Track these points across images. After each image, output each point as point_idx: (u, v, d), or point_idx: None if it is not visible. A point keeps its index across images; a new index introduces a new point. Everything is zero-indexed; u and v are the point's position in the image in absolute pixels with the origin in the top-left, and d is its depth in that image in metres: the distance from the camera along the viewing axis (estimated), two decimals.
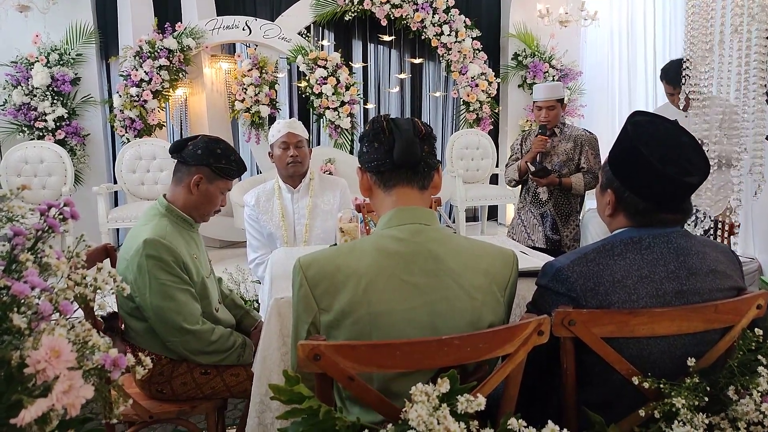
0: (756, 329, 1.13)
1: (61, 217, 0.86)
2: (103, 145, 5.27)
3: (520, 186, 3.41)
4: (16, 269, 0.79)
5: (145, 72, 4.92)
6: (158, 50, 4.95)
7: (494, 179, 5.94)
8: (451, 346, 1.00)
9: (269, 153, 2.65)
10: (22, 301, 0.72)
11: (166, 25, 5.04)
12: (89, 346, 0.71)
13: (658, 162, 1.15)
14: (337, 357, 0.98)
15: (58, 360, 0.60)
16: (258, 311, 2.85)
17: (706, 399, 1.06)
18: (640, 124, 1.24)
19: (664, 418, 1.07)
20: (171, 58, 5.00)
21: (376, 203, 1.29)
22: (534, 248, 3.18)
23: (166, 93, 5.09)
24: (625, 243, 1.22)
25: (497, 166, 5.78)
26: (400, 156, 1.17)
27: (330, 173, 5.25)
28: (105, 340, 0.77)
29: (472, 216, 6.36)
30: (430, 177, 1.24)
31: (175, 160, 1.83)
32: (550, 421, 0.94)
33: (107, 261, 2.08)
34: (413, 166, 1.20)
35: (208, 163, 1.79)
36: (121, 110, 4.94)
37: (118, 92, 4.98)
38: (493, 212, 6.50)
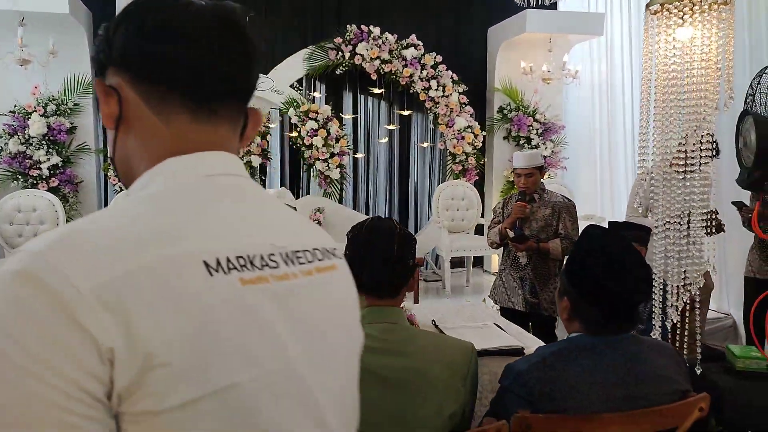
0: None
1: None
2: (95, 192, 5.37)
3: (502, 248, 3.53)
4: None
5: None
6: None
7: (479, 229, 6.08)
8: None
9: None
10: None
11: None
12: None
13: (607, 281, 1.28)
14: None
15: None
16: None
17: None
18: (593, 239, 1.37)
19: None
20: None
21: None
22: (514, 311, 3.29)
23: None
24: (579, 349, 1.33)
25: (482, 216, 5.93)
26: (367, 281, 1.32)
27: (319, 222, 5.37)
28: None
29: (458, 261, 6.46)
30: (400, 288, 1.37)
31: None
32: None
33: None
34: (379, 290, 1.35)
35: None
36: None
37: None
38: (478, 259, 6.62)
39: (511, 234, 3.30)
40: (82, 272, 0.53)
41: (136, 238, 0.57)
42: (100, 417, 0.51)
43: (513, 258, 3.41)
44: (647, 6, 1.64)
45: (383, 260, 1.33)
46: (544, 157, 6.12)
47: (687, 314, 2.57)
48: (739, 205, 3.63)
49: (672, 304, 2.42)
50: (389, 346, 1.31)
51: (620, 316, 1.32)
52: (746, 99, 3.07)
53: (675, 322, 2.12)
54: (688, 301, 2.58)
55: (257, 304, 0.60)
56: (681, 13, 1.57)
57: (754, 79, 3.00)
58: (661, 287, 2.44)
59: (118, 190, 5.06)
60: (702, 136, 1.65)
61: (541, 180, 3.46)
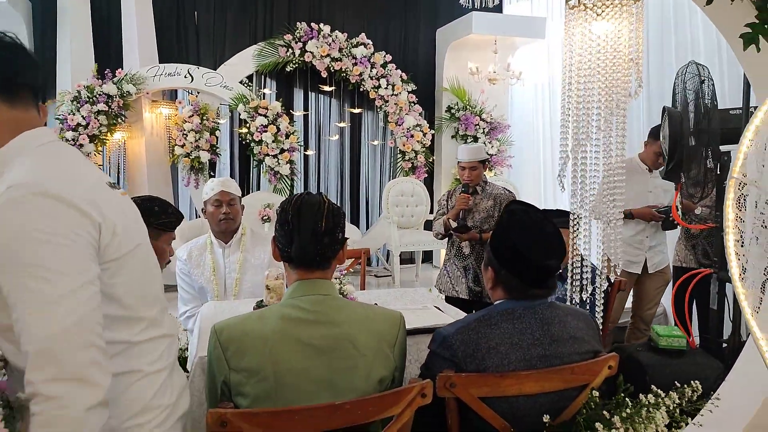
0: (594, 391, 1.35)
1: None
2: None
3: (446, 239, 3.64)
4: None
5: (82, 116, 4.94)
6: (97, 95, 4.99)
7: (428, 225, 6.20)
8: (342, 411, 1.17)
9: (202, 209, 2.77)
10: None
11: (106, 71, 5.10)
12: None
13: (524, 248, 1.38)
14: (242, 423, 1.12)
15: None
16: (187, 361, 2.91)
17: None
18: (514, 213, 1.48)
19: None
20: (110, 104, 5.04)
21: (285, 271, 1.48)
22: (458, 299, 3.40)
23: (104, 137, 5.12)
24: (500, 314, 1.43)
25: (431, 212, 6.05)
26: (296, 254, 1.36)
27: (268, 218, 5.37)
28: None
29: (408, 258, 6.58)
30: (330, 260, 1.41)
31: None
32: None
33: None
34: (308, 262, 1.38)
35: (149, 223, 1.90)
36: None
37: None
38: (428, 255, 6.75)
39: (453, 224, 3.42)
40: (66, 189, 0.99)
41: (69, 172, 1.05)
42: (96, 261, 1.02)
43: (457, 248, 3.53)
44: (566, 1, 1.76)
45: (312, 233, 1.35)
46: (491, 155, 6.32)
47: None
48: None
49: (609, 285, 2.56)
50: (319, 317, 1.35)
51: (536, 281, 1.42)
52: (672, 95, 3.28)
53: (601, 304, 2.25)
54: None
55: (128, 205, 1.20)
56: (596, 8, 1.70)
57: (677, 77, 3.20)
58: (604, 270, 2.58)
59: None
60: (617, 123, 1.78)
61: (484, 174, 3.59)
